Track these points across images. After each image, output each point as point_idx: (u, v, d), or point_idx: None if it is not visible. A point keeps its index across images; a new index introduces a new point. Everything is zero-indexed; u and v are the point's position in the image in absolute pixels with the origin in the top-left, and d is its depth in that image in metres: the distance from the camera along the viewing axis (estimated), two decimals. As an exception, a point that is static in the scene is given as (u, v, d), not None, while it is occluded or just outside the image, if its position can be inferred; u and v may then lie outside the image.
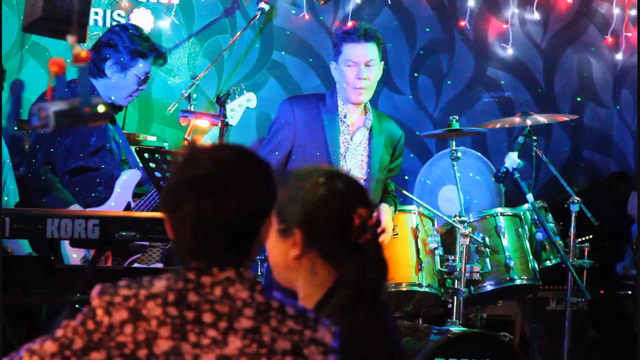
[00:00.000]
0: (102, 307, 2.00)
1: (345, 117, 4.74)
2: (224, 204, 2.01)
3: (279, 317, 1.99)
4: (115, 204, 4.90)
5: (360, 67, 4.68)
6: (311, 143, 4.71)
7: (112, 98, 4.96)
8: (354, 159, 4.74)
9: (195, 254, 2.03)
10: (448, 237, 5.14)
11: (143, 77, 5.00)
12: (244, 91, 5.06)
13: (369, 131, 4.79)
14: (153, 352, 1.97)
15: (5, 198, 4.66)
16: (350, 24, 5.28)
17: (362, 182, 4.64)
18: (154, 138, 5.82)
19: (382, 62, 4.81)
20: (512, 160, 5.03)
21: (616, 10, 6.86)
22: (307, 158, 4.66)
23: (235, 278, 2.02)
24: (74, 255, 4.70)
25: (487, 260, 5.09)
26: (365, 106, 4.83)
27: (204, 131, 5.01)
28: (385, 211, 4.78)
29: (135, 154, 4.87)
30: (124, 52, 4.94)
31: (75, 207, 4.75)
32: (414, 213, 5.11)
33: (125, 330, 1.98)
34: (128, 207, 4.93)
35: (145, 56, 4.98)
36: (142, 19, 5.93)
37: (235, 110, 4.99)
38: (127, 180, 4.97)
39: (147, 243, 4.41)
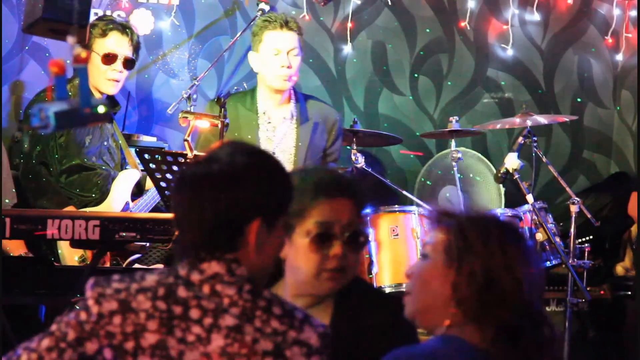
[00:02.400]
0: (93, 297, 2.03)
1: (264, 113, 4.71)
2: (209, 201, 2.03)
3: (263, 317, 1.99)
4: (114, 204, 4.89)
5: (284, 55, 4.67)
6: None
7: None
8: (282, 154, 4.68)
9: (188, 249, 2.05)
10: (448, 238, 5.12)
11: (102, 55, 4.85)
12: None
13: (295, 121, 4.75)
14: (140, 345, 1.99)
15: (7, 200, 4.65)
16: (260, 12, 5.18)
17: None
18: (154, 139, 5.82)
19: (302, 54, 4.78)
20: (512, 160, 5.03)
21: (616, 11, 6.86)
22: None
23: (225, 274, 2.03)
24: (75, 258, 4.70)
25: (488, 260, 5.09)
26: (290, 96, 4.78)
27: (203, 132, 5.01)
28: None
29: (135, 154, 4.87)
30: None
31: (70, 209, 4.74)
32: (414, 214, 5.11)
33: (114, 320, 2.00)
34: (126, 207, 4.93)
35: (99, 35, 4.87)
36: (142, 20, 5.93)
37: None
38: (126, 180, 4.97)
39: (147, 244, 4.41)
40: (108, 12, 5.85)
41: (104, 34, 4.87)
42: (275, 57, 4.64)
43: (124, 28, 4.96)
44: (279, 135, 4.66)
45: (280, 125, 4.67)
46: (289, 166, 4.62)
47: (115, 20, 5.02)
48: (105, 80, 4.89)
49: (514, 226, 2.24)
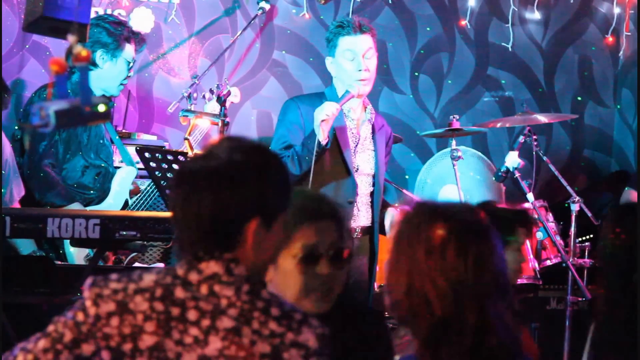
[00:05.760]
0: (91, 298, 2.02)
1: (349, 112, 4.70)
2: (206, 199, 2.01)
3: (261, 319, 1.98)
4: (114, 201, 4.91)
5: (359, 59, 4.65)
6: None
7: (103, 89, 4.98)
8: (363, 154, 4.68)
9: (185, 248, 2.04)
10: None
11: (132, 62, 5.02)
12: (228, 86, 5.07)
13: (372, 125, 4.76)
14: (138, 346, 1.98)
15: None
16: (341, 18, 5.27)
17: (370, 177, 4.65)
18: (154, 137, 5.82)
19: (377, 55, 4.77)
20: (512, 159, 5.03)
21: (617, 10, 6.86)
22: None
23: (224, 273, 2.01)
24: (71, 250, 4.70)
25: (488, 259, 5.08)
26: (365, 103, 4.79)
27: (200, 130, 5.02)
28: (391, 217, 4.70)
29: (136, 153, 4.87)
30: (110, 41, 4.93)
31: (77, 206, 4.75)
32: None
33: (111, 322, 1.99)
34: (125, 205, 4.94)
35: (129, 40, 5.00)
36: (143, 19, 5.93)
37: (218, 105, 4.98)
38: (124, 177, 4.98)
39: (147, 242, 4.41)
40: (108, 11, 5.85)
41: (128, 41, 4.97)
42: (351, 62, 4.64)
43: (143, 39, 5.17)
44: (362, 137, 4.68)
45: (362, 127, 4.69)
46: (368, 170, 4.66)
47: (139, 32, 5.17)
48: (120, 84, 5.02)
49: (460, 226, 2.06)
